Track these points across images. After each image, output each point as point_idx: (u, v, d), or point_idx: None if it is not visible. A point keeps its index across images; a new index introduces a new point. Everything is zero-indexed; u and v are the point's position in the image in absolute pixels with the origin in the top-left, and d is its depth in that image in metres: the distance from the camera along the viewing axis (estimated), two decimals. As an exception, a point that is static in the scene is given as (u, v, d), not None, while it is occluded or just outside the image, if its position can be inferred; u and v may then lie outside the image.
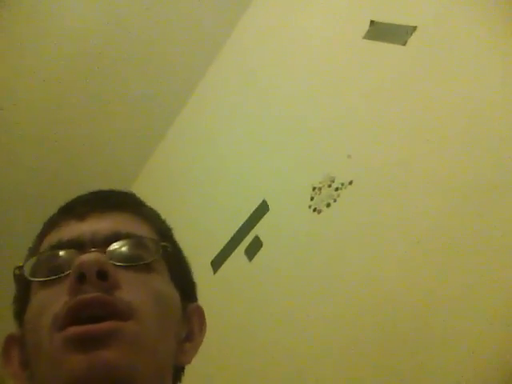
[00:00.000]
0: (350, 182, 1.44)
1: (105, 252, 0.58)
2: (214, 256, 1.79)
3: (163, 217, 0.71)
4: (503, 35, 1.28)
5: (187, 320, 0.66)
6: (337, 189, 1.47)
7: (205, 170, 2.09)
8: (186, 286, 0.68)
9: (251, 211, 1.73)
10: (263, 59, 2.04)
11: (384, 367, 1.16)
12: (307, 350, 1.34)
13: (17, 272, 0.62)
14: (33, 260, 0.61)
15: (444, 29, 1.42)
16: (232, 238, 1.76)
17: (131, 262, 0.59)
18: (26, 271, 0.60)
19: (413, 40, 1.47)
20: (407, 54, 1.47)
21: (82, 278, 0.54)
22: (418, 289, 1.18)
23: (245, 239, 1.71)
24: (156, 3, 2.16)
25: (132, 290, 0.56)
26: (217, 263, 1.77)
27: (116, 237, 0.60)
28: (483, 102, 1.25)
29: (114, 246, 0.59)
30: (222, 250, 1.78)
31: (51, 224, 0.66)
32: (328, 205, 1.48)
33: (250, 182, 1.85)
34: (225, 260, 1.75)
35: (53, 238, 0.63)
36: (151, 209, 0.70)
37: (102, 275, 0.55)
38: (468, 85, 1.30)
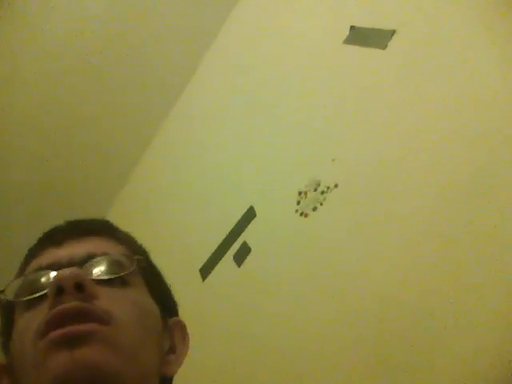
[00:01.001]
0: (336, 185, 1.46)
1: (81, 268, 0.60)
2: (202, 263, 1.79)
3: (139, 241, 0.73)
4: (483, 36, 1.30)
5: (169, 334, 0.67)
6: (322, 192, 1.48)
7: (191, 177, 2.09)
8: (165, 301, 0.69)
9: (239, 217, 1.74)
10: (245, 67, 2.05)
11: (379, 371, 1.16)
12: (298, 353, 1.35)
13: (2, 296, 0.63)
14: (14, 284, 0.63)
15: (423, 31, 1.44)
16: (220, 245, 1.76)
17: (107, 276, 0.61)
18: (9, 296, 0.62)
19: (392, 44, 1.49)
20: (388, 58, 1.49)
21: (60, 291, 0.56)
22: (406, 290, 1.19)
23: (233, 245, 1.71)
24: (144, 5, 2.17)
25: (110, 302, 0.58)
26: (206, 270, 1.77)
27: (91, 257, 0.62)
28: (465, 102, 1.27)
29: (90, 263, 0.61)
30: (210, 257, 1.78)
31: (31, 254, 0.68)
32: (314, 208, 1.49)
33: (236, 188, 1.86)
34: (213, 267, 1.75)
35: (33, 265, 0.65)
36: (126, 233, 0.73)
37: (80, 287, 0.57)
38: (448, 86, 1.32)
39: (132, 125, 2.34)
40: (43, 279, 0.61)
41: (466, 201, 1.16)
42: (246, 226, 1.70)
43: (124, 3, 2.16)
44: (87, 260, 0.62)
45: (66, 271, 0.57)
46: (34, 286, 0.60)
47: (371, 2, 1.65)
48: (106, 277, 0.60)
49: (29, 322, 0.58)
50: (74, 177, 2.31)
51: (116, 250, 0.66)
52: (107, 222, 0.74)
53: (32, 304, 0.59)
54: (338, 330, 1.28)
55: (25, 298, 0.60)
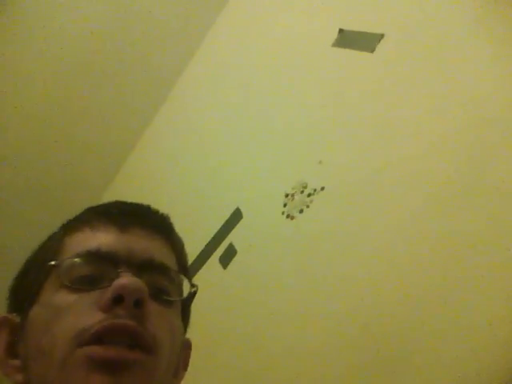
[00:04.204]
0: (322, 188, 1.46)
1: (140, 277, 0.58)
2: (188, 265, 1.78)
3: (186, 248, 0.72)
4: (470, 41, 1.30)
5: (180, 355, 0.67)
6: (309, 195, 1.48)
7: (178, 178, 2.08)
8: (187, 323, 0.69)
9: (225, 219, 1.73)
10: (232, 69, 2.05)
11: (375, 372, 1.15)
12: (283, 356, 1.34)
13: (51, 264, 0.59)
14: (69, 261, 0.59)
15: (411, 35, 1.45)
16: (206, 247, 1.75)
17: (160, 295, 0.60)
18: (61, 269, 0.58)
19: (381, 47, 1.49)
20: (376, 61, 1.50)
21: (119, 300, 0.55)
22: (393, 291, 1.18)
23: (219, 247, 1.70)
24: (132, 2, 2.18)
25: (156, 323, 0.57)
26: (191, 272, 1.76)
27: (150, 263, 0.61)
28: (451, 107, 1.27)
29: (148, 275, 0.60)
30: (196, 259, 1.76)
31: (85, 221, 0.64)
32: (301, 211, 1.49)
33: (222, 190, 1.85)
34: (199, 268, 1.74)
35: (90, 240, 0.61)
36: (179, 238, 0.72)
37: (139, 304, 0.56)
38: (436, 90, 1.33)
39: (118, 125, 2.33)
40: (98, 271, 0.58)
41: (454, 206, 1.16)
42: (232, 228, 1.70)
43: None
44: (145, 266, 0.60)
45: (133, 283, 0.56)
46: (86, 273, 0.58)
47: (360, 6, 1.66)
48: (162, 297, 0.60)
49: (68, 311, 0.55)
50: (59, 170, 2.29)
51: (170, 261, 0.65)
52: (168, 218, 0.71)
53: (78, 289, 0.57)
54: (323, 331, 1.28)
55: (74, 286, 0.57)
